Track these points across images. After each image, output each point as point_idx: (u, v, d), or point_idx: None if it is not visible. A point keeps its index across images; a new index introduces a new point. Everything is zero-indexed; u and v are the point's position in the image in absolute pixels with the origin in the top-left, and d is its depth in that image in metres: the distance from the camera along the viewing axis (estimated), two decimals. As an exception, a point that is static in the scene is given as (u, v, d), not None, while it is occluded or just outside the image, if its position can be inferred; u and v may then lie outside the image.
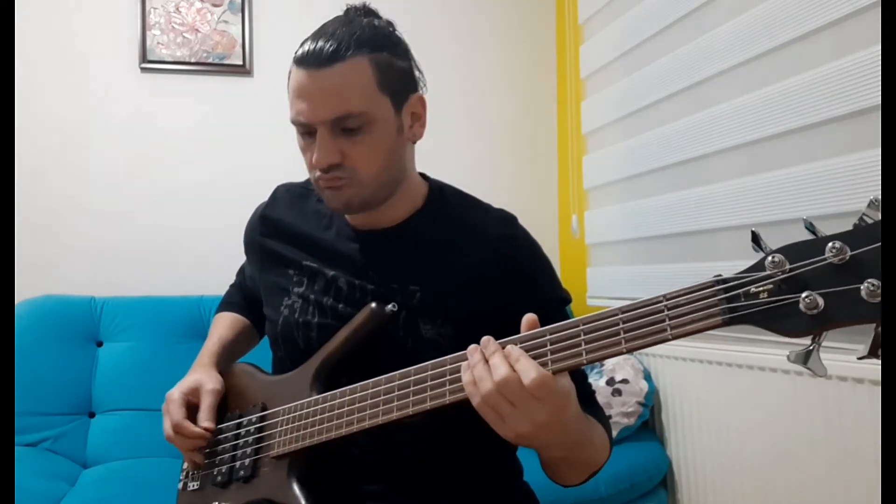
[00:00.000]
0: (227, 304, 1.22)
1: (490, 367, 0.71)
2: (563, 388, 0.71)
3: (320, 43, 0.86)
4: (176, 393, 0.99)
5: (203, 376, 1.02)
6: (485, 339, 0.74)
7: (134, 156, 2.28)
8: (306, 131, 0.90)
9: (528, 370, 0.69)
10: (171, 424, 0.97)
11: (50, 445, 1.83)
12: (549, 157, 2.65)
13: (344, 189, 0.90)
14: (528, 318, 0.75)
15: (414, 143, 0.97)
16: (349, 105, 0.86)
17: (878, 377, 1.29)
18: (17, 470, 1.50)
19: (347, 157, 0.88)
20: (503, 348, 0.73)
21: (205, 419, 0.97)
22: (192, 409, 0.99)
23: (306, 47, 0.88)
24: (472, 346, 0.75)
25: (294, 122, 0.90)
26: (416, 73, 0.95)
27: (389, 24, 0.95)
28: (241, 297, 1.20)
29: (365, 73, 0.86)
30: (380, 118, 0.88)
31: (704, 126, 1.81)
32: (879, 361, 0.55)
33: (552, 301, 0.95)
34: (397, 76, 0.90)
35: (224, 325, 1.16)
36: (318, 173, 0.90)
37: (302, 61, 0.87)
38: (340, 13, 0.94)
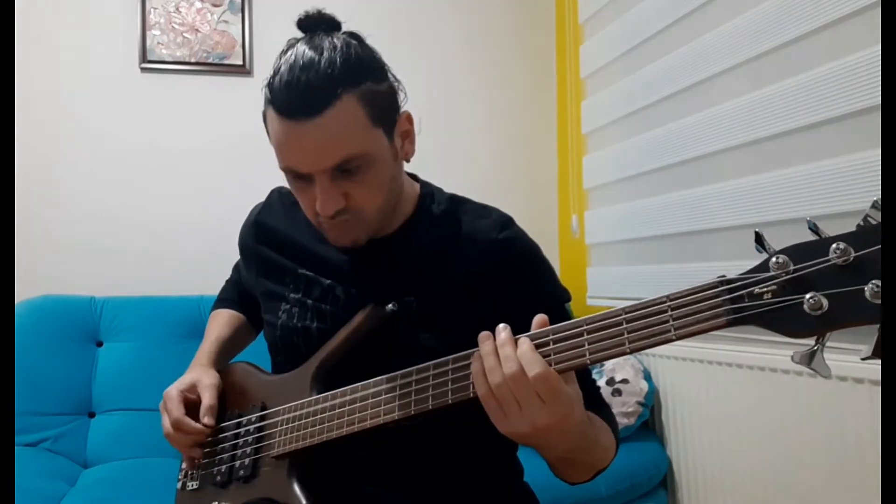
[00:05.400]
0: (222, 301, 1.22)
1: (501, 359, 0.71)
2: (568, 393, 0.71)
3: (298, 89, 0.79)
4: (174, 390, 0.98)
5: (200, 374, 1.02)
6: (499, 327, 0.74)
7: (134, 156, 2.28)
8: (299, 176, 0.85)
9: (533, 364, 0.69)
10: (170, 421, 0.96)
11: (50, 445, 1.83)
12: (549, 158, 2.65)
13: (351, 229, 0.88)
14: (539, 318, 0.74)
15: (408, 161, 0.94)
16: (348, 150, 0.82)
17: (878, 377, 1.29)
18: (17, 470, 1.50)
19: (351, 198, 0.85)
20: (515, 341, 0.72)
21: (206, 415, 0.97)
22: (190, 407, 0.99)
23: (282, 92, 0.81)
24: (484, 334, 0.74)
25: (285, 170, 0.86)
26: (394, 83, 0.89)
27: (355, 38, 0.87)
28: (237, 293, 1.20)
29: (356, 112, 0.82)
30: (378, 153, 0.85)
31: (704, 126, 1.81)
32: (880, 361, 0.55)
33: (552, 303, 0.94)
34: (384, 103, 0.86)
35: (220, 323, 1.16)
36: (320, 217, 0.87)
37: (283, 111, 0.81)
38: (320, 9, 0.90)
